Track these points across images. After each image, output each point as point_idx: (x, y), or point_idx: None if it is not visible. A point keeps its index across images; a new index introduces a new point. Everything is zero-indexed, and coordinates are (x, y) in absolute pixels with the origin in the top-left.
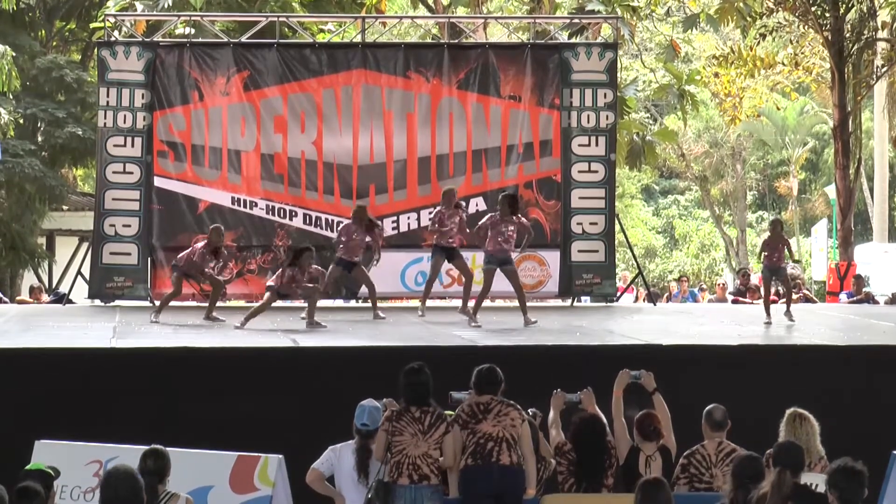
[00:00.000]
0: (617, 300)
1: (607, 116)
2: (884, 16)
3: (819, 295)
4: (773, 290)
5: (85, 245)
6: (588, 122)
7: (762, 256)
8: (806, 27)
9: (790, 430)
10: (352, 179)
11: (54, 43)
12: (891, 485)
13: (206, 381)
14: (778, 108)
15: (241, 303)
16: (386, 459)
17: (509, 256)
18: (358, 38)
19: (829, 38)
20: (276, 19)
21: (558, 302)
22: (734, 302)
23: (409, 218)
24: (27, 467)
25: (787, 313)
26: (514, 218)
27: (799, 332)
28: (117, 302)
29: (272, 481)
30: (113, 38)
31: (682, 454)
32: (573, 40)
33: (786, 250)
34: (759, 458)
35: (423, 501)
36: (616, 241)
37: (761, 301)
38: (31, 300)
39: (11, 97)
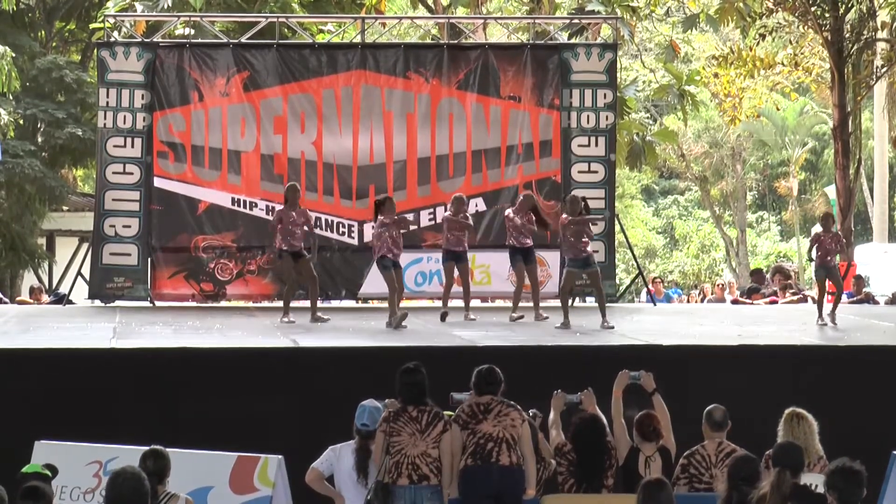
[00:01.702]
0: (614, 298)
1: (607, 117)
2: (883, 16)
3: None
4: (779, 291)
5: (85, 245)
6: (588, 122)
7: (811, 253)
8: (806, 27)
9: (788, 429)
10: (351, 180)
11: (54, 43)
12: (891, 485)
13: (206, 381)
14: (778, 109)
15: (242, 303)
16: (382, 461)
17: (590, 257)
18: (357, 39)
19: (829, 38)
20: (275, 20)
21: (559, 302)
22: (734, 302)
23: (408, 218)
24: (23, 470)
25: (832, 314)
26: (584, 217)
27: (799, 332)
28: (117, 302)
29: (272, 482)
30: (113, 39)
31: (681, 454)
32: (573, 41)
33: (837, 246)
34: (755, 459)
35: (422, 502)
36: (616, 242)
37: (762, 302)
38: (31, 301)
39: (11, 98)
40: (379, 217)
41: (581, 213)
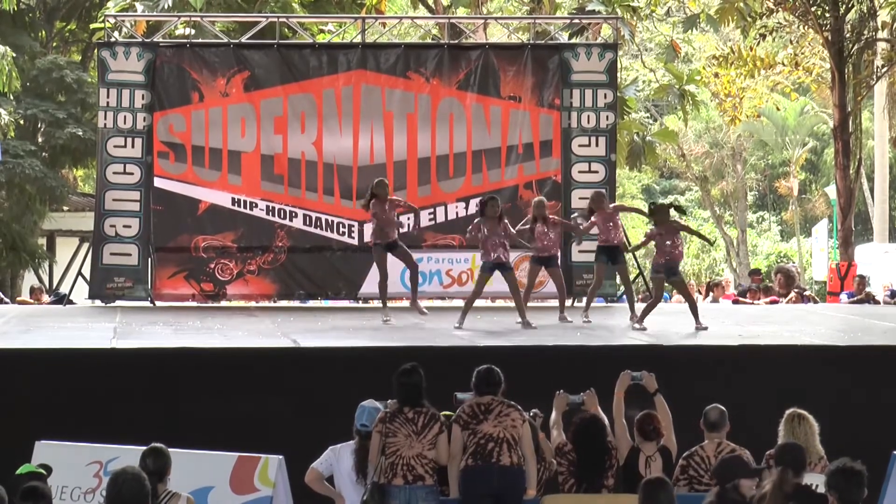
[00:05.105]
0: (614, 298)
1: (607, 117)
2: (884, 16)
3: (820, 295)
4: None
5: (85, 245)
6: (588, 122)
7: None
8: (806, 27)
9: (789, 430)
10: (352, 180)
11: (54, 43)
12: (891, 485)
13: (206, 381)
14: (778, 109)
15: (242, 303)
16: (378, 461)
17: (678, 266)
18: (357, 39)
19: (829, 38)
20: (276, 20)
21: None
22: (734, 302)
23: (408, 218)
24: (18, 471)
25: None
26: (676, 224)
27: (799, 332)
28: (118, 302)
29: (272, 482)
30: (113, 39)
31: (682, 455)
32: (573, 41)
33: None
34: (739, 457)
35: (417, 502)
36: None
37: (763, 302)
38: (32, 301)
39: (12, 98)
40: (482, 218)
41: (670, 222)
